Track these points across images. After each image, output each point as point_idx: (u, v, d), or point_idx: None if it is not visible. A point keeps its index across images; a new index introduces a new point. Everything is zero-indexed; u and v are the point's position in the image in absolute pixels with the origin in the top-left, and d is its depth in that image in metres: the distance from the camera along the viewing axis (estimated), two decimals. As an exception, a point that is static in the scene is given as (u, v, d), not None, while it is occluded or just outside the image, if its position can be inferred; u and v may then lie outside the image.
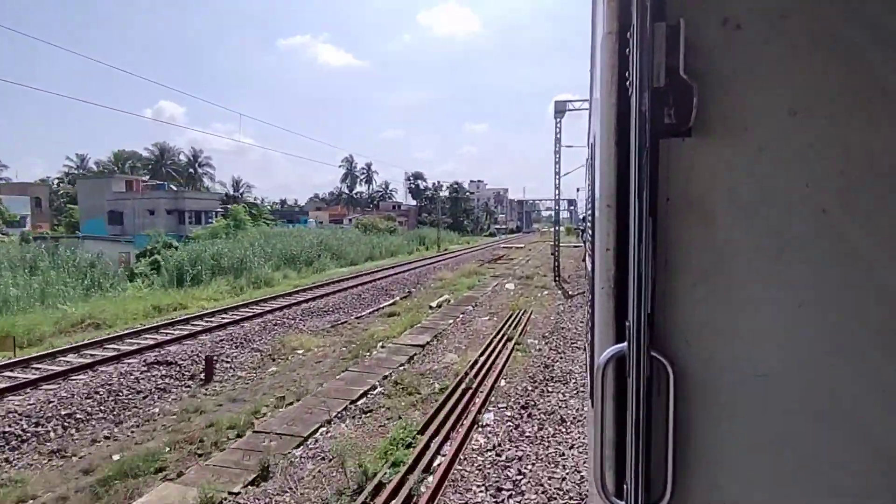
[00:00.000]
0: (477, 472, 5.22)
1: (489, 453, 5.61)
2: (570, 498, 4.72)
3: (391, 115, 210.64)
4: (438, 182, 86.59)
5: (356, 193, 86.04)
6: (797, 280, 0.94)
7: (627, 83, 0.96)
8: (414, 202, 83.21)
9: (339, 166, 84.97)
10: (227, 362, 9.56)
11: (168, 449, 6.03)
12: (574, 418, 6.56)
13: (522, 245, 48.05)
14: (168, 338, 10.84)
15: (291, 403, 7.32)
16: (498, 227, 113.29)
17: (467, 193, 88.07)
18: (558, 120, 19.37)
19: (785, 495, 0.96)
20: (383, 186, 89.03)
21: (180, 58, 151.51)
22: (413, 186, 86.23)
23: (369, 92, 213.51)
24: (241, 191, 57.07)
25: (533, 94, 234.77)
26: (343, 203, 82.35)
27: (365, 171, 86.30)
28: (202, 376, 8.73)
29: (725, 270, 0.97)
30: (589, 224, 4.06)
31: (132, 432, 6.70)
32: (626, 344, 0.97)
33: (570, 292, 17.13)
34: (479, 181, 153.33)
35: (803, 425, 0.95)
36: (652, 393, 0.97)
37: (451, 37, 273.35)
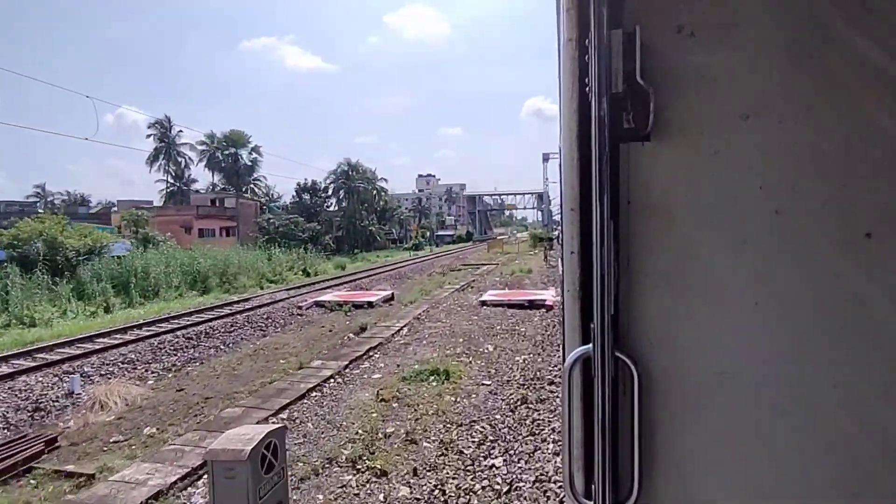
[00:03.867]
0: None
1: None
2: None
3: (364, 120, 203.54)
4: (342, 166, 53.83)
5: (188, 182, 52.67)
6: (753, 279, 0.96)
7: (587, 89, 0.96)
8: (293, 197, 51.10)
9: (147, 136, 48.98)
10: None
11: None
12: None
13: (384, 291, 17.55)
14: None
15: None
16: (443, 233, 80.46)
17: (377, 183, 56.90)
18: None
19: (747, 489, 0.98)
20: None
21: (137, 61, 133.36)
22: (222, 161, 51.29)
23: (341, 96, 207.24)
24: None
25: (506, 96, 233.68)
26: (170, 198, 49.36)
27: (206, 150, 50.46)
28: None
29: (685, 271, 0.98)
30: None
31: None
32: (591, 345, 0.97)
33: None
34: (429, 175, 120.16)
35: (762, 420, 0.96)
36: (617, 393, 0.98)
37: (420, 40, 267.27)
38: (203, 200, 44.39)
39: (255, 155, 50.91)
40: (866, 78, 0.91)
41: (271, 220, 39.08)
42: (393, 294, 17.10)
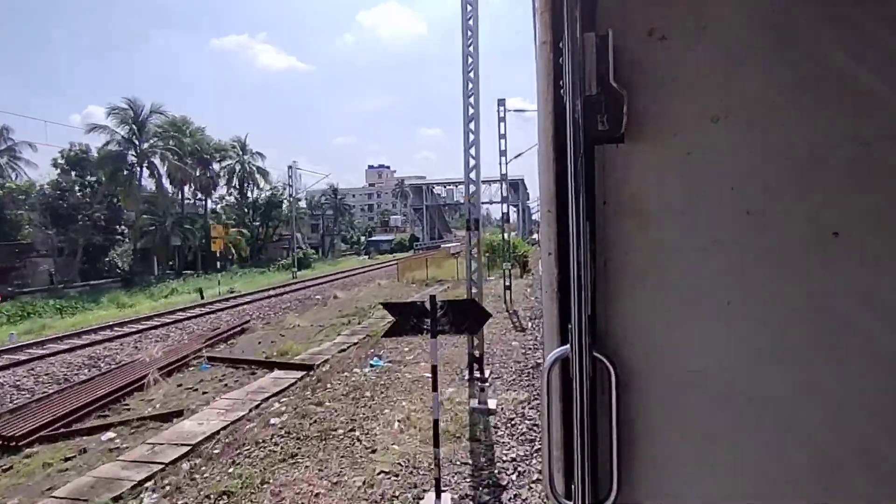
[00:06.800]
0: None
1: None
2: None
3: (342, 121, 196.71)
4: (119, 113, 27.64)
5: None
6: (726, 278, 0.97)
7: (562, 91, 0.97)
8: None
9: None
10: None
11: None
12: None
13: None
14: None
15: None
16: (378, 239, 56.11)
17: (247, 159, 33.77)
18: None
19: (722, 486, 0.98)
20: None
21: (102, 58, 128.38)
22: None
23: (318, 97, 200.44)
24: None
25: (486, 96, 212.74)
26: None
27: None
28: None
29: (660, 271, 0.99)
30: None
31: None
32: (569, 346, 0.98)
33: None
34: (381, 167, 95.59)
35: (735, 417, 0.97)
36: (595, 393, 0.98)
37: (397, 39, 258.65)
38: None
39: None
40: (832, 81, 0.93)
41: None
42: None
